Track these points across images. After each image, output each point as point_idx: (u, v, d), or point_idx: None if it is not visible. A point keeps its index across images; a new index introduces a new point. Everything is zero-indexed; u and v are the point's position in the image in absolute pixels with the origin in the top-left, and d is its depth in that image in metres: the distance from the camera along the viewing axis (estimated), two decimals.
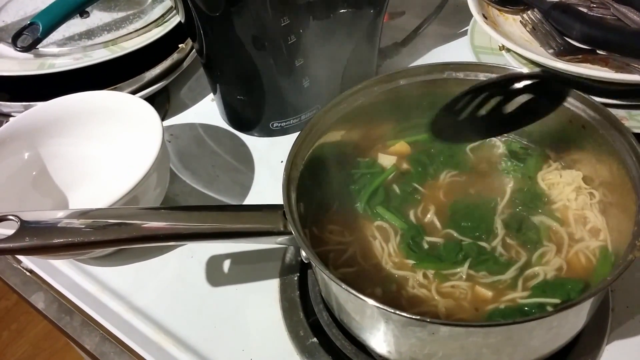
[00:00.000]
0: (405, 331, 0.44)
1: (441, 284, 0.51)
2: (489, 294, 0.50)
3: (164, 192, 0.67)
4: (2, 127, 0.69)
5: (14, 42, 0.79)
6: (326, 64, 0.73)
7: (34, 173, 0.70)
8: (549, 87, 0.55)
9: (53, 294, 0.65)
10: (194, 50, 0.86)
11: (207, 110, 0.85)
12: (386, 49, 0.86)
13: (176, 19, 0.85)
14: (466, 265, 0.51)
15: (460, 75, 0.59)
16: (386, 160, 0.62)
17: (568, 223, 0.54)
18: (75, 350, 1.01)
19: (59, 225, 0.50)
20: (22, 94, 0.79)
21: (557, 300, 0.48)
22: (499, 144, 0.63)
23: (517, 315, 0.48)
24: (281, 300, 0.59)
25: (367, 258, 0.54)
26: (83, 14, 0.86)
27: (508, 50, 0.76)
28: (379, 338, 0.48)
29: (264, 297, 0.60)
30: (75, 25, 0.84)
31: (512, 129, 0.60)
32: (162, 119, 0.73)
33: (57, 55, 0.81)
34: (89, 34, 0.83)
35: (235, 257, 0.64)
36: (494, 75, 0.58)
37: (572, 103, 0.55)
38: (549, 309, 0.47)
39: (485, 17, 0.78)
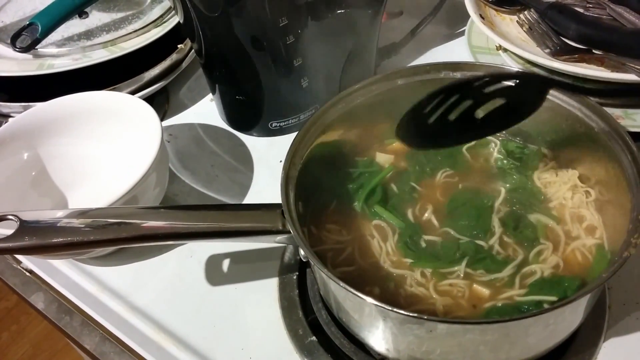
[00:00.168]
0: (403, 329, 0.45)
1: (439, 282, 0.51)
2: (486, 292, 0.50)
3: (163, 191, 0.67)
4: (2, 128, 0.69)
5: (13, 43, 0.79)
6: (324, 63, 0.74)
7: (34, 173, 0.70)
8: (531, 86, 0.54)
9: (53, 294, 0.65)
10: (192, 50, 0.86)
11: (206, 110, 0.85)
12: (384, 48, 0.86)
13: (175, 20, 0.86)
14: (464, 263, 0.51)
15: (458, 74, 0.59)
16: (384, 159, 0.63)
17: (564, 221, 0.55)
18: (75, 351, 1.01)
19: (58, 224, 0.50)
20: (21, 95, 0.79)
21: (554, 298, 0.48)
22: (495, 144, 0.63)
23: (515, 312, 0.48)
24: (280, 299, 0.59)
25: (365, 257, 0.54)
26: (82, 14, 0.87)
27: (505, 50, 0.76)
28: (377, 336, 0.48)
29: (263, 296, 0.60)
30: (74, 26, 0.85)
31: (496, 129, 0.59)
32: (161, 119, 0.73)
33: (56, 56, 0.81)
34: (88, 34, 0.84)
35: (234, 256, 0.64)
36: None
37: (568, 102, 0.55)
38: (546, 306, 0.47)
39: (482, 17, 0.78)
